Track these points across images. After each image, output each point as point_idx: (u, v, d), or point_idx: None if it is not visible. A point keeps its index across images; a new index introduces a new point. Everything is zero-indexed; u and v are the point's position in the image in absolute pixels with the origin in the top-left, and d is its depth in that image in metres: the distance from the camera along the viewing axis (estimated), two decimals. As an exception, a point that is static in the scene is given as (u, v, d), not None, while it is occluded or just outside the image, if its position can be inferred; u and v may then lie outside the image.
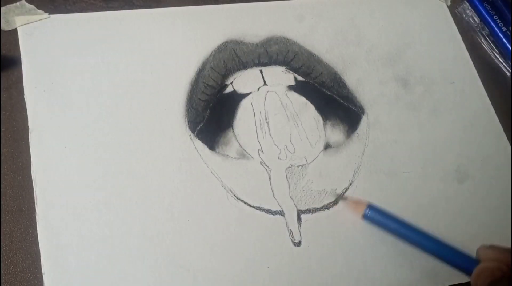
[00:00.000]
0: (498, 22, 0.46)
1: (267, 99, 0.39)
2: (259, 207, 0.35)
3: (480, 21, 0.47)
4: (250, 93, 0.39)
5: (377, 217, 0.34)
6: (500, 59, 0.45)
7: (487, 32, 0.46)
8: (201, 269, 0.33)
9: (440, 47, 0.45)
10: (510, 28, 0.46)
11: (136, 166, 0.35)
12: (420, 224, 0.37)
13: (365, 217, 0.34)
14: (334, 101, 0.40)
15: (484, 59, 0.46)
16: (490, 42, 0.46)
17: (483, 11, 0.46)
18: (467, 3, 0.47)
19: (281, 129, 0.38)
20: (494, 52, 0.46)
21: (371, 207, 0.34)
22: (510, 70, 0.45)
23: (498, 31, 0.46)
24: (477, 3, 0.46)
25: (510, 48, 0.45)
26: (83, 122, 0.35)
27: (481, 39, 0.46)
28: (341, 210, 0.36)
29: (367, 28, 0.44)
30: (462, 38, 0.46)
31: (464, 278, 0.35)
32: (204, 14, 0.41)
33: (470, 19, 0.47)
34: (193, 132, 0.37)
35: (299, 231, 0.35)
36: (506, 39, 0.45)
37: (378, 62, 0.43)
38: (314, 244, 0.35)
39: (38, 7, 0.38)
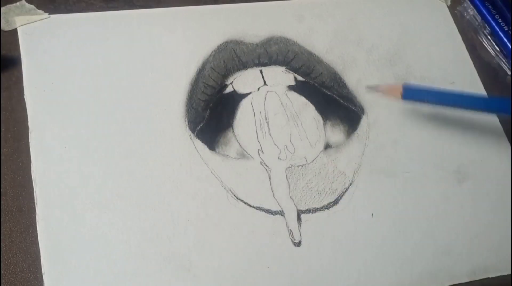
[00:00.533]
0: (500, 21, 0.46)
1: (267, 99, 0.39)
2: (259, 207, 0.35)
3: (481, 20, 0.46)
4: (250, 93, 0.39)
5: (415, 93, 0.35)
6: (501, 58, 0.45)
7: (488, 32, 0.46)
8: (201, 269, 0.33)
9: (440, 47, 0.45)
10: (511, 27, 0.46)
11: (136, 166, 0.35)
12: (420, 224, 0.37)
13: (404, 96, 0.34)
14: (334, 101, 0.40)
15: (484, 59, 0.46)
16: (491, 41, 0.46)
17: (484, 10, 0.46)
18: (468, 2, 0.47)
19: (281, 129, 0.38)
20: (496, 52, 0.46)
21: (405, 87, 0.34)
22: (511, 70, 0.45)
23: (499, 30, 0.46)
24: (478, 2, 0.46)
25: (510, 47, 0.45)
26: (83, 122, 0.35)
27: (482, 39, 0.46)
28: (341, 210, 0.36)
29: (367, 28, 0.44)
30: (463, 38, 0.46)
31: (464, 278, 0.36)
32: (204, 14, 0.41)
33: (471, 18, 0.47)
34: (193, 132, 0.37)
35: (299, 231, 0.35)
36: (507, 39, 0.45)
37: (378, 62, 0.43)
38: (314, 244, 0.35)
39: (38, 7, 0.38)
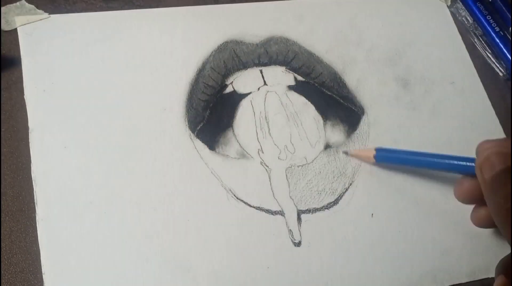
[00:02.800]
0: (491, 22, 0.46)
1: (267, 99, 0.39)
2: (259, 207, 0.35)
3: (474, 21, 0.47)
4: (250, 93, 0.39)
5: (387, 155, 0.36)
6: (493, 59, 0.45)
7: (480, 33, 0.46)
8: (201, 269, 0.33)
9: (440, 47, 0.45)
10: (503, 28, 0.46)
11: (136, 166, 0.35)
12: (420, 224, 0.37)
13: (377, 159, 0.36)
14: (334, 101, 0.40)
15: (483, 59, 0.46)
16: (483, 42, 0.46)
17: (477, 11, 0.46)
18: (460, 3, 0.47)
19: (281, 129, 0.38)
20: (487, 52, 0.46)
21: (379, 149, 0.36)
22: (510, 69, 0.45)
23: (491, 31, 0.46)
24: (470, 3, 0.46)
25: (503, 48, 0.45)
26: (83, 122, 0.35)
27: (474, 39, 0.46)
28: (341, 210, 0.36)
29: (367, 28, 0.44)
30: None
31: (464, 278, 0.36)
32: (204, 14, 0.41)
33: (464, 19, 0.47)
34: (193, 132, 0.37)
35: (299, 231, 0.35)
36: (499, 39, 0.45)
37: (378, 62, 0.43)
38: (314, 244, 0.35)
39: (38, 7, 0.38)
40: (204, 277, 0.33)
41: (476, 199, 0.32)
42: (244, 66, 0.40)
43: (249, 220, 0.35)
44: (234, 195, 0.35)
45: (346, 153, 0.38)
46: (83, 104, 0.36)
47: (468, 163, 0.32)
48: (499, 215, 0.28)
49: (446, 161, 0.34)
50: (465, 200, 0.33)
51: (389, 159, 0.36)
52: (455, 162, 0.33)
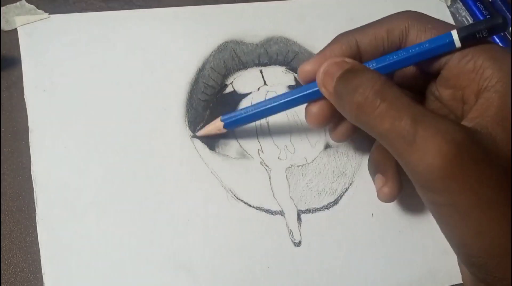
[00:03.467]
0: None
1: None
2: (259, 207, 0.35)
3: (473, 21, 0.47)
4: (250, 93, 0.39)
5: (234, 118, 0.35)
6: None
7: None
8: (201, 269, 0.33)
9: (440, 47, 0.45)
10: (511, 28, 0.46)
11: (136, 166, 0.35)
12: (420, 224, 0.37)
13: (225, 126, 0.35)
14: (334, 101, 0.40)
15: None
16: None
17: (477, 11, 0.46)
18: (460, 3, 0.47)
19: (281, 129, 0.38)
20: None
21: (224, 118, 0.35)
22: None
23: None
24: (470, 3, 0.47)
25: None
26: (83, 122, 0.35)
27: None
28: (341, 210, 0.36)
29: (367, 28, 0.44)
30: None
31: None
32: (204, 14, 0.41)
33: (464, 19, 0.47)
34: (193, 132, 0.37)
35: (299, 231, 0.35)
36: (499, 40, 0.45)
37: (378, 62, 0.42)
38: (314, 244, 0.35)
39: (38, 7, 0.38)
40: (204, 277, 0.33)
41: (327, 117, 0.32)
42: (244, 66, 0.40)
43: (249, 220, 0.35)
44: (234, 195, 0.35)
45: (195, 136, 0.36)
46: (83, 104, 0.36)
47: (310, 90, 0.32)
48: (352, 112, 0.28)
49: (291, 97, 0.33)
50: (319, 123, 0.33)
51: (237, 121, 0.35)
52: (300, 93, 0.32)
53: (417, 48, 0.30)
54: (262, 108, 0.34)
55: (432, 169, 0.25)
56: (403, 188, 0.33)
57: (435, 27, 0.31)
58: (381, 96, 0.27)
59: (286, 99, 0.33)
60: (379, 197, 0.33)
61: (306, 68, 0.32)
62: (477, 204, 0.25)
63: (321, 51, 0.32)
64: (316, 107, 0.32)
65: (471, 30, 0.29)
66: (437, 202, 0.27)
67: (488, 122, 0.27)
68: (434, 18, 0.32)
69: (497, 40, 0.45)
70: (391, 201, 0.34)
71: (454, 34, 0.29)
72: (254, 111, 0.34)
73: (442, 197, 0.26)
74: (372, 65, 0.31)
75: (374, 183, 0.34)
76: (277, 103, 0.33)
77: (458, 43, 0.29)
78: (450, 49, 0.30)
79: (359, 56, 0.32)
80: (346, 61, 0.30)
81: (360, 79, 0.28)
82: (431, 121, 0.26)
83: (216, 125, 0.35)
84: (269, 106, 0.34)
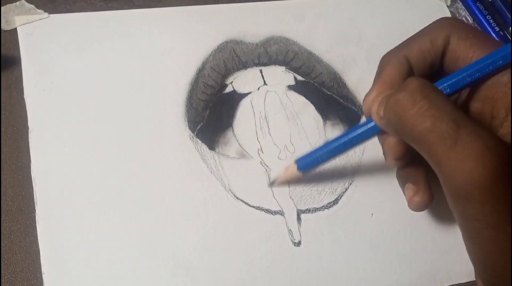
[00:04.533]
0: (491, 22, 0.46)
1: (267, 99, 0.39)
2: (259, 207, 0.35)
3: (473, 21, 0.47)
4: (250, 93, 0.39)
5: (307, 161, 0.34)
6: None
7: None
8: (201, 269, 0.33)
9: (440, 47, 0.45)
10: (503, 28, 0.46)
11: (136, 166, 0.35)
12: (420, 224, 0.37)
13: (299, 169, 0.34)
14: (334, 101, 0.40)
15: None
16: None
17: (477, 11, 0.46)
18: (460, 3, 0.47)
19: (281, 129, 0.38)
20: None
21: (298, 161, 0.34)
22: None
23: (491, 31, 0.46)
24: (470, 3, 0.47)
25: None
26: (83, 122, 0.35)
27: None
28: (341, 210, 0.36)
29: (367, 28, 0.44)
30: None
31: (464, 278, 0.36)
32: (204, 14, 0.41)
33: (464, 19, 0.47)
34: (193, 132, 0.37)
35: (299, 231, 0.35)
36: (499, 39, 0.45)
37: (378, 61, 0.42)
38: (314, 244, 0.35)
39: (38, 6, 0.38)
40: (204, 277, 0.33)
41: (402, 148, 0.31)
42: (244, 66, 0.40)
43: (249, 220, 0.35)
44: (234, 195, 0.35)
45: (272, 184, 0.36)
46: (83, 104, 0.36)
47: (370, 124, 0.31)
48: (392, 112, 0.27)
49: (354, 134, 0.32)
50: (397, 156, 0.32)
51: (311, 163, 0.34)
52: (361, 129, 0.32)
53: (490, 66, 0.28)
54: (330, 147, 0.33)
55: (472, 176, 0.24)
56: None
57: (475, 36, 0.30)
58: (421, 93, 0.26)
59: (352, 135, 0.32)
60: (410, 206, 0.32)
61: (369, 100, 0.31)
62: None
63: (377, 78, 0.31)
64: (390, 139, 0.31)
65: None
66: (469, 215, 0.25)
67: None
68: (471, 25, 0.31)
69: (495, 38, 0.45)
70: (422, 210, 0.33)
71: None
72: (327, 153, 0.33)
73: (476, 209, 0.25)
74: (446, 87, 0.30)
75: (403, 192, 0.33)
76: (345, 141, 0.32)
77: None
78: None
79: (411, 71, 0.31)
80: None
81: (403, 86, 0.27)
82: (473, 127, 0.25)
83: (291, 172, 0.34)
84: (338, 144, 0.32)
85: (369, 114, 0.31)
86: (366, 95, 0.31)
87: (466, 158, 0.24)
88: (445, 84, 0.29)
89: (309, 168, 0.34)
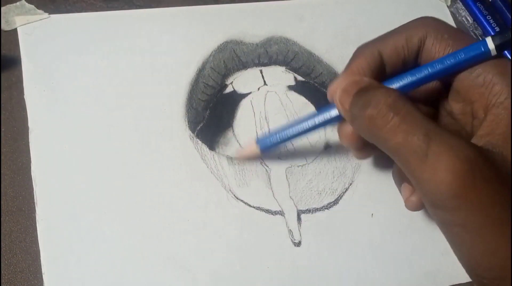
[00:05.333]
0: (491, 22, 0.46)
1: (267, 99, 0.39)
2: (259, 207, 0.35)
3: (473, 21, 0.47)
4: (250, 93, 0.39)
5: (269, 140, 0.34)
6: None
7: (480, 33, 0.46)
8: (201, 269, 0.33)
9: (440, 47, 0.45)
10: (503, 28, 0.46)
11: (136, 166, 0.35)
12: (420, 224, 0.37)
13: (262, 149, 0.35)
14: (334, 101, 0.40)
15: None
16: None
17: (477, 11, 0.46)
18: (460, 3, 0.47)
19: (281, 129, 0.38)
20: None
21: (259, 140, 0.35)
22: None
23: (491, 31, 0.46)
24: (470, 3, 0.47)
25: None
26: (83, 122, 0.35)
27: (474, 40, 0.46)
28: (341, 210, 0.36)
29: (367, 28, 0.44)
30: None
31: (464, 278, 0.36)
32: (204, 14, 0.41)
33: (464, 19, 0.47)
34: (193, 132, 0.37)
35: (299, 231, 0.35)
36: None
37: (378, 62, 0.42)
38: (314, 244, 0.35)
39: (38, 7, 0.38)
40: (204, 277, 0.33)
41: (359, 137, 0.31)
42: (244, 66, 0.40)
43: (249, 220, 0.35)
44: (234, 195, 0.35)
45: (230, 158, 0.36)
46: (83, 104, 0.36)
47: (332, 111, 0.32)
48: (365, 126, 0.28)
49: (316, 119, 0.32)
50: (352, 142, 0.32)
51: (271, 143, 0.34)
52: (324, 114, 0.32)
53: (452, 59, 0.29)
54: (294, 130, 0.33)
55: (444, 186, 0.25)
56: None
57: (451, 37, 0.30)
58: (394, 110, 0.27)
59: (313, 120, 0.33)
60: (406, 206, 0.33)
61: (333, 87, 0.31)
62: (489, 223, 0.25)
63: (347, 67, 0.32)
64: (349, 127, 0.32)
65: (507, 38, 0.28)
66: (448, 221, 0.26)
67: (499, 140, 0.27)
68: (451, 26, 0.32)
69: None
70: (419, 210, 0.33)
71: (490, 42, 0.28)
72: (287, 134, 0.33)
73: (453, 216, 0.26)
74: (405, 79, 0.30)
75: (400, 192, 0.34)
76: (307, 124, 0.33)
77: (494, 52, 0.28)
78: (485, 58, 0.29)
79: (383, 66, 0.32)
80: (364, 80, 0.30)
81: (373, 94, 0.28)
82: (444, 138, 0.26)
83: (251, 149, 0.35)
84: (300, 127, 0.33)
85: (332, 101, 0.32)
86: (331, 82, 0.32)
87: (437, 170, 0.25)
88: (404, 81, 0.30)
89: (268, 148, 0.35)
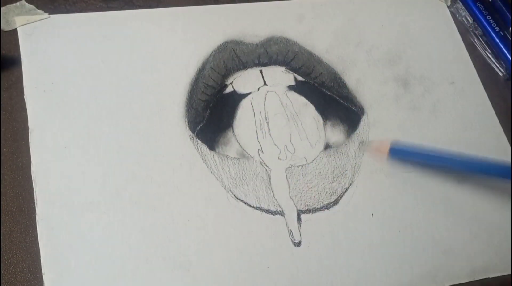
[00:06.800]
0: (491, 22, 0.46)
1: (267, 99, 0.39)
2: (259, 207, 0.35)
3: (473, 21, 0.47)
4: (250, 93, 0.39)
5: (402, 152, 0.33)
6: (493, 59, 0.45)
7: (480, 33, 0.46)
8: (201, 269, 0.33)
9: (440, 47, 0.45)
10: (503, 28, 0.46)
11: (136, 166, 0.35)
12: (420, 224, 0.37)
13: (391, 155, 0.33)
14: (334, 101, 0.40)
15: (483, 59, 0.46)
16: (483, 42, 0.46)
17: (476, 11, 0.46)
18: (460, 3, 0.47)
19: (281, 129, 0.38)
20: (487, 52, 0.46)
21: (394, 144, 0.33)
22: (510, 69, 0.45)
23: (491, 31, 0.46)
24: (470, 3, 0.47)
25: (503, 49, 0.45)
26: (83, 122, 0.35)
27: (474, 39, 0.46)
28: (341, 210, 0.36)
29: (367, 28, 0.44)
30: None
31: (464, 278, 0.36)
32: (204, 14, 0.41)
33: (464, 19, 0.47)
34: (193, 132, 0.37)
35: (299, 231, 0.35)
36: (499, 39, 0.45)
37: (378, 62, 0.43)
38: (314, 244, 0.35)
39: (38, 7, 0.38)
40: (204, 277, 0.33)
41: None
42: (244, 66, 0.40)
43: (249, 220, 0.35)
44: (234, 195, 0.35)
45: (362, 144, 0.35)
46: (83, 104, 0.36)
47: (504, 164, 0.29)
48: None
49: (479, 163, 0.30)
50: None
51: (405, 149, 0.32)
52: (490, 164, 0.30)
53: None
54: (440, 155, 0.31)
55: None
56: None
57: None
58: None
59: (474, 163, 0.30)
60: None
61: None
62: None
63: None
64: None
65: None
66: None
67: None
68: None
69: (497, 40, 0.45)
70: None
71: None
72: (427, 153, 0.31)
73: None
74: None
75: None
76: (461, 161, 0.31)
77: None
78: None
79: None
80: None
81: None
82: None
83: (383, 145, 0.34)
84: (445, 157, 0.31)
85: None
86: None
87: None
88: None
89: (397, 157, 0.33)
